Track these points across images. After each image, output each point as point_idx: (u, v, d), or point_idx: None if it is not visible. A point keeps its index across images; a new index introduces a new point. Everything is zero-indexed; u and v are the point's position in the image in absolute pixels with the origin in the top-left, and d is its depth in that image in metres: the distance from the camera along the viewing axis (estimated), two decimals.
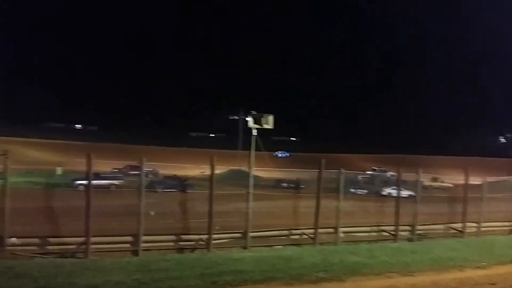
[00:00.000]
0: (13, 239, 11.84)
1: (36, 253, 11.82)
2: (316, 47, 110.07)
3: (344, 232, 16.14)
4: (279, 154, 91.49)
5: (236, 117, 66.35)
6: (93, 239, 12.31)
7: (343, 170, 16.12)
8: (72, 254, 12.05)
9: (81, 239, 12.29)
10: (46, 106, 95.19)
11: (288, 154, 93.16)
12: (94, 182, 14.31)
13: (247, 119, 16.12)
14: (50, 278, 8.40)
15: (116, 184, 38.42)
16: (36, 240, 12.40)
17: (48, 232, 13.31)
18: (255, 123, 15.33)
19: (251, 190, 14.83)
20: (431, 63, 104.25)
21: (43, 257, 11.49)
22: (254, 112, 15.44)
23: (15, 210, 12.20)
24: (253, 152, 15.91)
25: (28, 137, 71.75)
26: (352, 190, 34.05)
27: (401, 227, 16.94)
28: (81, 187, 37.56)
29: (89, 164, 12.32)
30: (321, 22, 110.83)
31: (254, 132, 15.67)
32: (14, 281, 7.82)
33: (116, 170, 46.65)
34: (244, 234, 14.57)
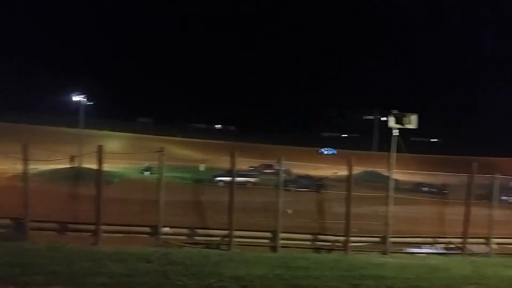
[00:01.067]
0: (166, 229, 12.99)
1: (186, 243, 12.81)
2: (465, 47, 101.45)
3: (498, 244, 14.56)
4: (325, 151, 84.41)
5: (371, 117, 64.05)
6: (235, 233, 12.92)
7: (497, 175, 14.53)
8: (217, 246, 12.79)
9: (225, 232, 12.98)
10: (190, 108, 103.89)
11: (335, 151, 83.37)
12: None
13: (383, 118, 15.45)
14: (199, 266, 8.98)
15: (252, 182, 40.14)
16: (185, 231, 13.42)
17: (195, 224, 14.34)
18: (396, 122, 14.57)
19: (391, 193, 14.17)
20: None
21: (192, 247, 12.41)
22: (395, 111, 14.68)
23: (167, 202, 13.33)
24: (393, 154, 15.16)
25: (175, 136, 78.76)
26: (504, 197, 30.69)
27: None
28: (221, 183, 40.24)
29: (232, 162, 12.95)
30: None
31: (395, 133, 14.91)
32: (169, 267, 8.52)
33: (252, 168, 48.70)
34: (383, 239, 13.99)
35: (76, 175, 38.97)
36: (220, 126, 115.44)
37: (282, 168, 14.64)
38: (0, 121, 69.62)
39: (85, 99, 50.96)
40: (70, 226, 12.72)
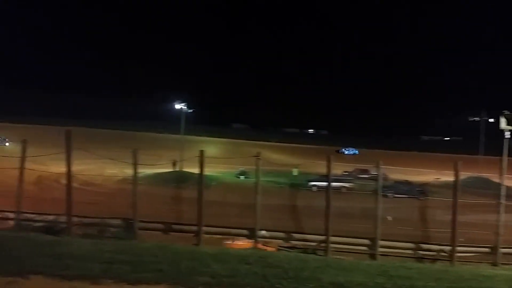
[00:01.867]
0: (263, 232, 13.19)
1: (282, 246, 12.89)
2: None
3: None
4: (346, 151, 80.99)
5: (476, 119, 59.25)
6: (332, 239, 12.72)
7: None
8: (313, 251, 12.69)
9: (321, 237, 12.83)
10: (283, 113, 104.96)
11: (357, 151, 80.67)
12: (328, 184, 14.76)
13: (491, 120, 14.22)
14: (297, 270, 8.94)
15: (347, 187, 39.30)
16: (281, 234, 13.52)
17: (291, 228, 14.38)
18: (508, 124, 13.39)
19: (502, 201, 13.02)
20: None
21: (288, 251, 12.45)
22: (507, 112, 13.49)
23: (262, 206, 13.52)
24: (505, 157, 13.92)
25: (269, 141, 79.92)
26: None
27: None
28: (314, 188, 39.96)
29: (328, 167, 12.80)
30: None
31: (507, 135, 13.70)
32: (268, 270, 8.59)
33: (346, 173, 47.72)
34: (494, 249, 12.89)
35: (178, 178, 41.22)
36: (312, 130, 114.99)
37: (377, 173, 14.15)
38: (109, 128, 76.04)
39: (186, 107, 53.94)
40: (174, 226, 13.45)
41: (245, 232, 13.27)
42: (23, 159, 12.39)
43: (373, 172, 44.19)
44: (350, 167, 49.42)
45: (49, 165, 26.41)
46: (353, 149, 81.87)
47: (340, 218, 15.74)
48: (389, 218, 15.17)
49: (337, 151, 76.34)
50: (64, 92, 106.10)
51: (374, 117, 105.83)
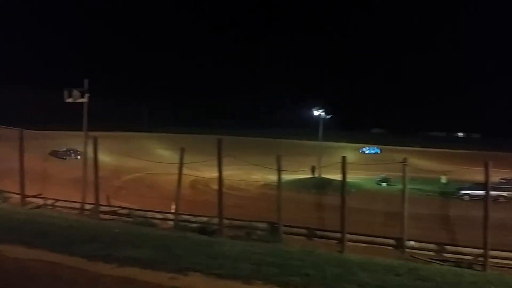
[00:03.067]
0: (412, 242, 12.48)
1: (433, 259, 12.03)
2: None
3: None
4: (366, 150, 76.69)
5: None
6: (491, 252, 11.48)
7: None
8: (469, 265, 11.59)
9: (478, 251, 11.67)
10: (428, 116, 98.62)
11: (379, 150, 75.78)
12: (482, 192, 13.38)
13: None
14: (452, 285, 8.29)
15: (505, 196, 35.58)
16: (432, 246, 12.64)
17: (443, 239, 13.35)
18: None
19: None
20: None
21: (441, 264, 11.57)
22: None
23: (409, 214, 12.82)
24: None
25: (412, 146, 75.81)
26: None
27: None
28: (466, 197, 36.67)
29: (487, 174, 11.59)
30: None
31: None
32: (419, 283, 8.11)
33: (504, 181, 42.84)
34: None
35: (317, 184, 41.45)
36: (462, 134, 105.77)
37: None
38: (251, 136, 79.87)
39: (324, 113, 54.23)
40: (317, 232, 13.51)
41: (391, 242, 12.71)
42: (180, 165, 13.66)
43: None
44: (508, 174, 44.20)
45: (202, 171, 28.75)
46: (374, 148, 79.06)
47: (499, 230, 14.18)
48: None
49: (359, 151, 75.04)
50: (215, 101, 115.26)
51: None
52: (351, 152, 62.05)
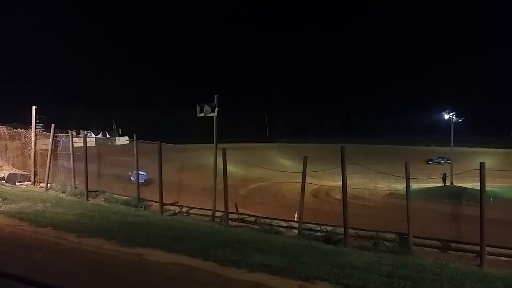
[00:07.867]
0: None
1: None
2: None
3: None
4: (436, 160, 66.07)
5: None
6: None
7: None
8: None
9: None
10: None
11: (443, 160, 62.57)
12: None
13: None
14: None
15: None
16: None
17: None
18: None
19: None
20: None
21: None
22: None
23: None
24: None
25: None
26: None
27: None
28: None
29: None
30: None
31: None
32: None
33: None
34: None
35: (450, 193, 38.50)
36: None
37: None
38: (374, 143, 77.43)
39: (455, 117, 50.54)
40: (452, 244, 12.54)
41: None
42: (304, 174, 13.78)
43: None
44: None
45: (324, 179, 28.66)
46: (440, 158, 66.63)
47: None
48: None
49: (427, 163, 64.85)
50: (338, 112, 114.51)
51: None
52: (489, 157, 56.56)
